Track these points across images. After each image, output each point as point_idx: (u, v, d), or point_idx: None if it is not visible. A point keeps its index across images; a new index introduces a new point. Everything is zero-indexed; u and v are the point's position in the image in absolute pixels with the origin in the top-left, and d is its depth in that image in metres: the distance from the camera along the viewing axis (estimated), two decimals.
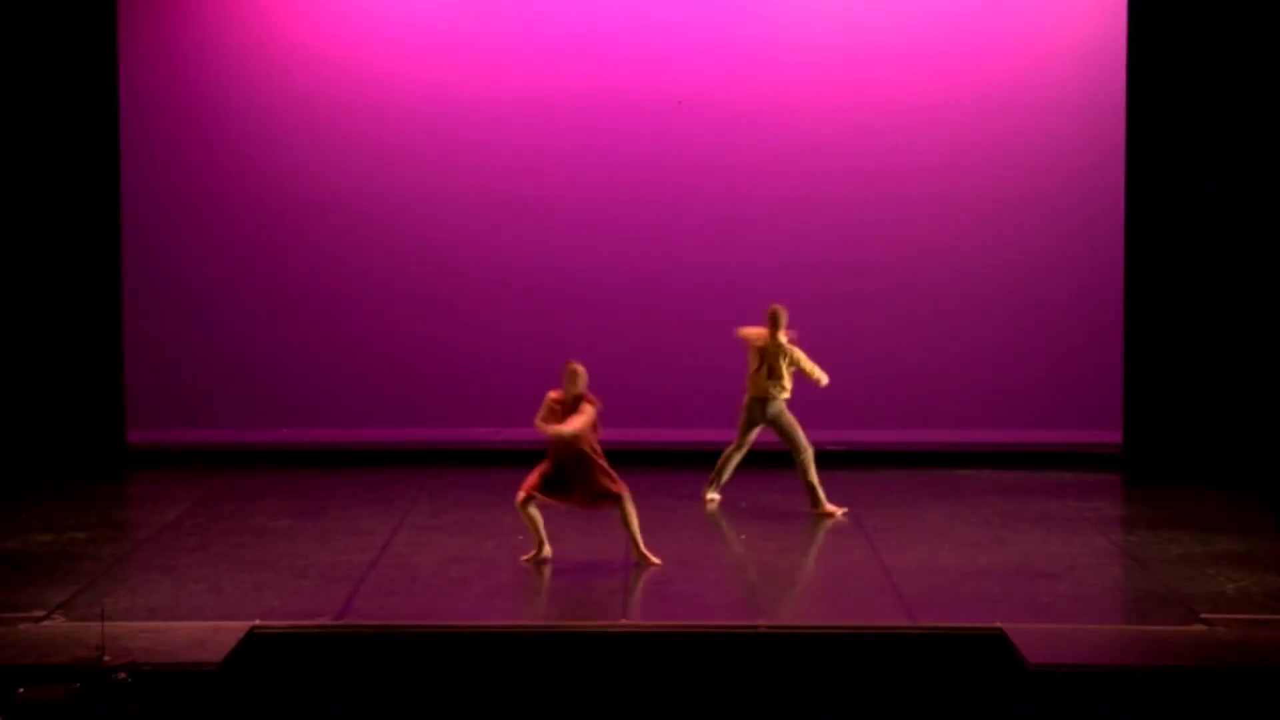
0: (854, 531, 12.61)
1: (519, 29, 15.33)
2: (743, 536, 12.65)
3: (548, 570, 11.36)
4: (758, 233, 15.30)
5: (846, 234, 15.31)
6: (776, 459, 13.46)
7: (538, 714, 9.65)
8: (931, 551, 11.94)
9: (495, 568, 11.42)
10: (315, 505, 13.45)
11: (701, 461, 13.66)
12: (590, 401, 11.36)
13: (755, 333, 13.15)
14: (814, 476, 13.12)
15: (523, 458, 12.14)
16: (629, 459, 14.82)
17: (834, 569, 11.77)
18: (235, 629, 9.70)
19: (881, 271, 15.31)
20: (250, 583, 10.95)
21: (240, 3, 15.35)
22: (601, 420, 11.43)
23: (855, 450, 15.07)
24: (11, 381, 14.72)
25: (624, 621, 10.12)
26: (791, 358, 13.07)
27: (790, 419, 13.12)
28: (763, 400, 13.10)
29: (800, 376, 13.13)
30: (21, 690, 8.53)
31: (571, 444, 11.28)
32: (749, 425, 13.22)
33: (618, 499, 11.35)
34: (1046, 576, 11.18)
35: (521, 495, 11.37)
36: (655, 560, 11.38)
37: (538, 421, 11.28)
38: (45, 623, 9.96)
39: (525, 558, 11.47)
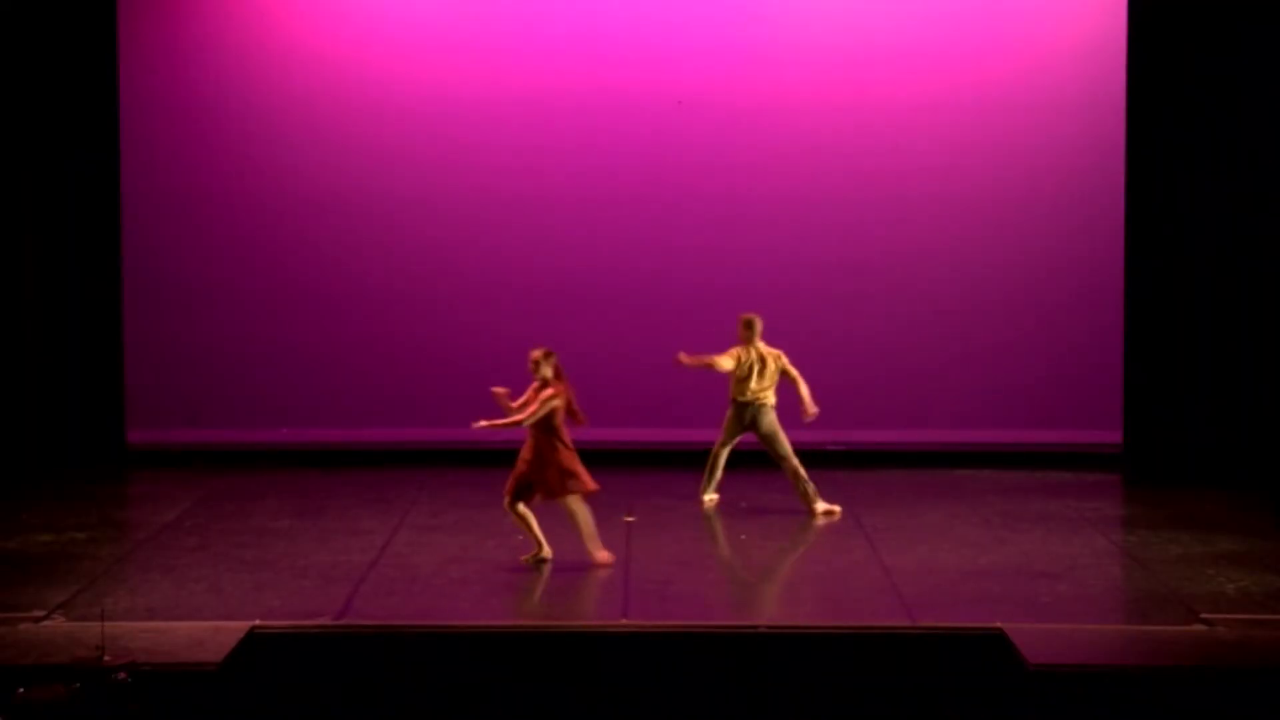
0: (854, 531, 12.61)
1: (519, 29, 15.34)
2: (743, 536, 12.66)
3: (547, 570, 11.36)
4: (758, 233, 15.30)
5: (846, 234, 15.31)
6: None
7: (538, 714, 9.65)
8: (931, 551, 11.94)
9: (495, 568, 11.43)
10: (315, 505, 13.46)
11: (702, 461, 13.64)
12: (554, 392, 11.24)
13: (733, 353, 13.09)
14: (804, 478, 13.10)
15: None
16: (629, 459, 14.94)
17: (834, 569, 11.77)
18: (235, 629, 9.70)
19: (881, 271, 15.31)
20: (250, 583, 10.95)
21: (240, 3, 15.36)
22: (576, 411, 11.32)
23: (855, 450, 15.08)
24: (11, 381, 14.73)
25: (624, 621, 10.11)
26: (779, 362, 13.08)
27: (778, 427, 13.11)
28: (755, 406, 13.06)
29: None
30: (21, 690, 8.53)
31: (529, 435, 11.24)
32: (739, 428, 13.22)
33: (564, 499, 11.29)
34: (1046, 576, 11.17)
35: (506, 499, 11.38)
36: (601, 559, 11.30)
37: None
38: (45, 623, 9.96)
39: (525, 557, 11.47)
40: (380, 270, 15.39)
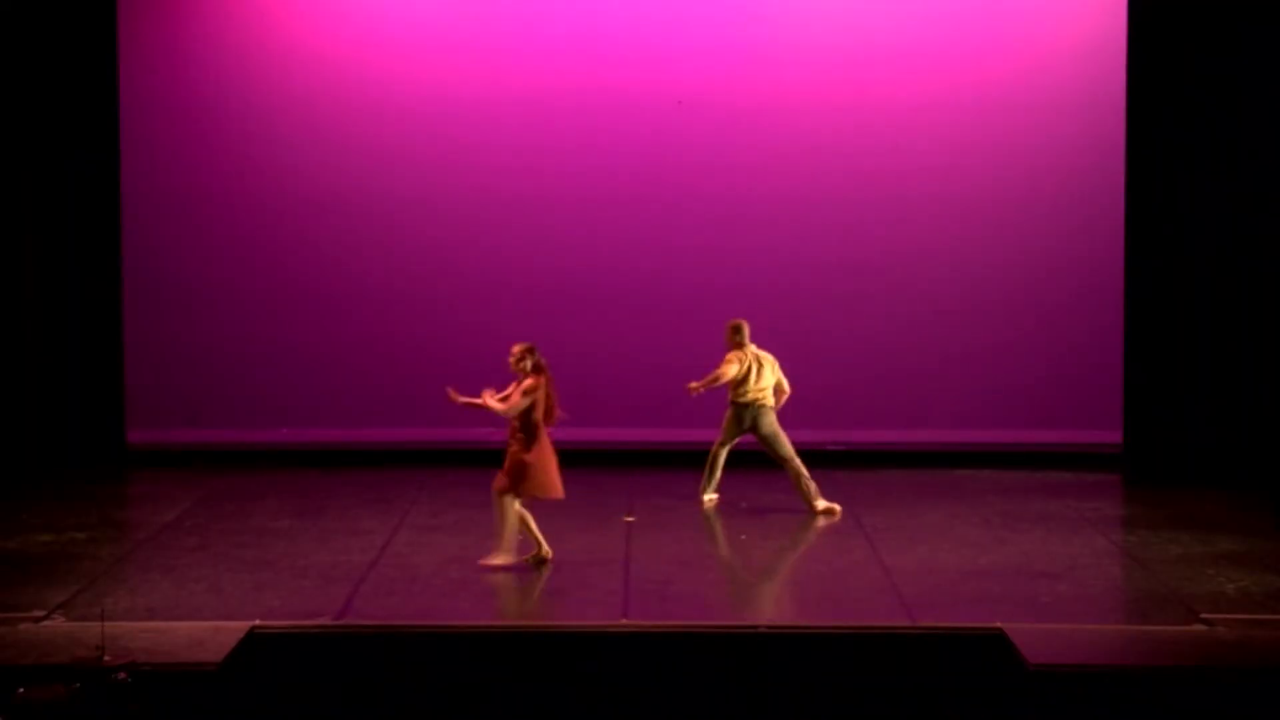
0: (854, 531, 12.61)
1: (519, 29, 15.34)
2: (743, 536, 12.66)
3: (548, 570, 11.35)
4: (758, 233, 15.30)
5: (846, 234, 15.31)
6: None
7: (538, 714, 9.64)
8: (931, 551, 11.94)
9: (493, 568, 11.40)
10: (315, 505, 13.46)
11: (702, 461, 13.64)
12: (535, 384, 11.21)
13: (731, 358, 13.10)
14: (805, 476, 13.11)
15: None
16: (629, 459, 14.95)
17: (834, 569, 11.77)
18: (235, 629, 9.70)
19: (881, 271, 15.31)
20: (250, 583, 10.95)
21: (240, 3, 15.36)
22: (553, 408, 11.27)
23: (855, 450, 15.08)
24: (11, 381, 14.73)
25: (624, 621, 10.11)
26: (773, 363, 13.10)
27: (778, 428, 13.12)
28: (756, 407, 13.07)
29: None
30: (21, 690, 8.53)
31: (506, 428, 11.24)
32: (738, 429, 13.22)
33: (503, 496, 11.27)
34: (1046, 576, 11.17)
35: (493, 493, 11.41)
36: (495, 564, 11.25)
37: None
38: (45, 623, 9.96)
39: (525, 557, 11.47)
40: (380, 270, 15.39)
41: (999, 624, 9.81)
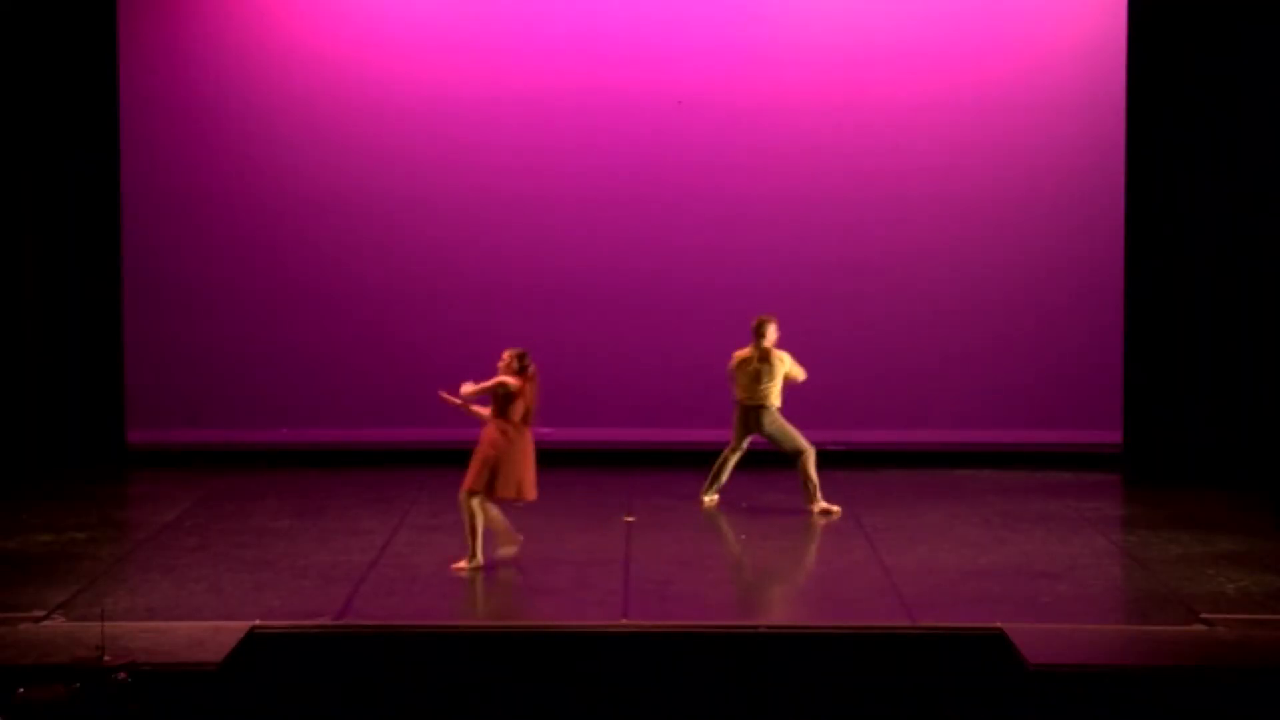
0: (854, 531, 12.61)
1: (519, 29, 15.33)
2: (743, 536, 12.66)
3: (547, 570, 11.33)
4: (758, 233, 15.30)
5: (846, 234, 15.31)
6: (776, 459, 13.46)
7: (538, 714, 9.64)
8: (931, 551, 11.94)
9: (495, 568, 11.41)
10: (315, 505, 13.46)
11: (701, 461, 13.65)
12: (504, 379, 11.23)
13: (741, 355, 13.13)
14: (813, 474, 13.11)
15: None
16: (629, 459, 14.95)
17: (834, 569, 11.77)
18: (235, 629, 9.70)
19: (881, 271, 15.31)
20: (250, 583, 10.95)
21: (240, 3, 15.35)
22: (529, 411, 11.27)
23: (855, 450, 15.07)
24: (11, 381, 14.73)
25: (624, 621, 10.11)
26: (785, 363, 13.08)
27: (784, 424, 13.11)
28: (759, 408, 13.07)
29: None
30: (21, 690, 8.53)
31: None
32: (745, 431, 13.22)
33: (468, 495, 11.24)
34: (1046, 576, 11.17)
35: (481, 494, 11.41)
36: (459, 566, 11.22)
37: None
38: (45, 623, 9.95)
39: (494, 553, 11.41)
40: (380, 270, 15.39)
41: (999, 624, 9.80)
